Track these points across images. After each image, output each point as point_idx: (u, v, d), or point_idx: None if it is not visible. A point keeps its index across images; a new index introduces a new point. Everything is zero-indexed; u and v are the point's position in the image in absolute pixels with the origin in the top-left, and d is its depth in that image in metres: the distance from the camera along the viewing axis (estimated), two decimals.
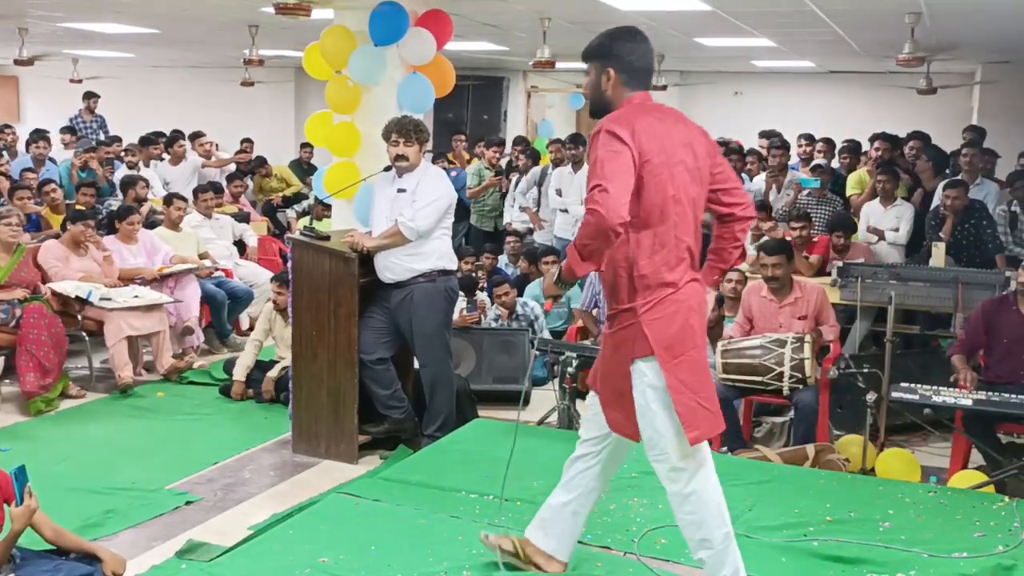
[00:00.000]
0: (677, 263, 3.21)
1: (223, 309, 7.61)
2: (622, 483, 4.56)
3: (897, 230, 7.35)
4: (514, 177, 9.53)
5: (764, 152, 9.55)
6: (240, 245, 8.77)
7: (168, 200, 7.84)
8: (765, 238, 7.22)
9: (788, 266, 5.56)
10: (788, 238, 7.06)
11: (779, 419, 5.89)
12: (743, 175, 8.84)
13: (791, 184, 8.16)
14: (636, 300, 3.20)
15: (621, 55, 3.28)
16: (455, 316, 6.05)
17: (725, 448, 5.34)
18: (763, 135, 10.65)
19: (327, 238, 5.36)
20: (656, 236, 3.17)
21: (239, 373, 6.36)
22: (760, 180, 8.53)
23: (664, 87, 11.81)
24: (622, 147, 3.06)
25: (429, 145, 5.92)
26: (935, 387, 4.77)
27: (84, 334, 6.61)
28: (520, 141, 10.72)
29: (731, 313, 6.23)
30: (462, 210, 9.07)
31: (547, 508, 3.65)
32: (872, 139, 9.17)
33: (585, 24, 8.58)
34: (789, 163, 8.69)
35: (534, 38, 8.86)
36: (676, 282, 3.20)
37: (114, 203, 8.68)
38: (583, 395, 6.20)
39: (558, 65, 9.30)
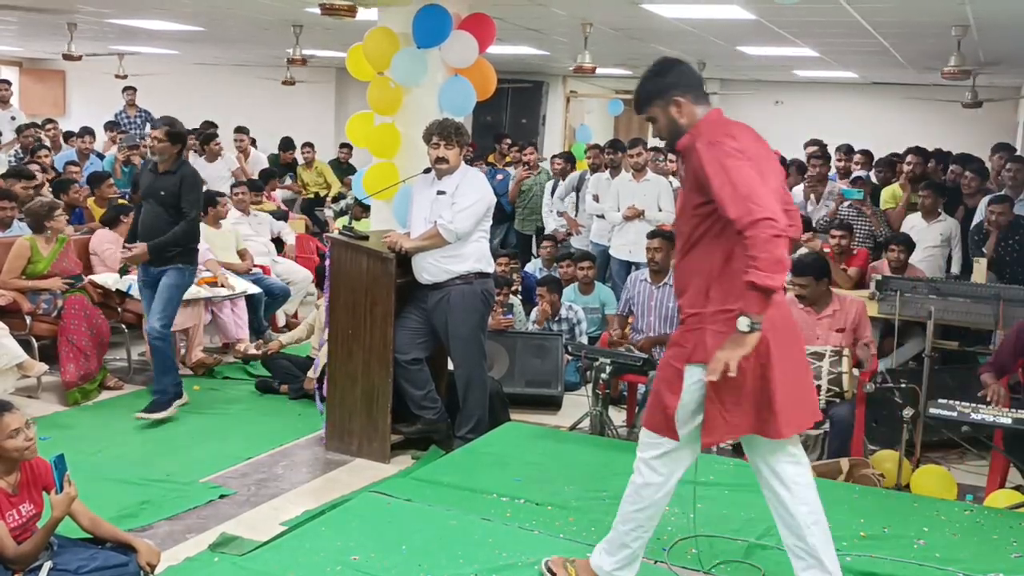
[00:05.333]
0: None
1: (260, 306, 7.68)
2: None
3: (937, 246, 7.28)
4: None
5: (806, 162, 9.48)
6: (278, 242, 8.84)
7: (212, 200, 7.89)
8: (802, 250, 7.16)
9: (816, 285, 5.47)
10: (827, 249, 7.00)
11: (813, 432, 5.83)
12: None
13: (831, 195, 8.09)
14: (707, 307, 3.20)
15: (679, 81, 3.28)
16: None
17: None
18: (809, 144, 10.55)
19: (366, 238, 5.40)
20: (738, 242, 3.10)
21: (288, 338, 6.65)
22: (799, 191, 8.47)
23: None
24: (737, 152, 3.05)
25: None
26: (974, 404, 4.71)
27: (124, 326, 6.71)
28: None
29: None
30: (500, 213, 9.11)
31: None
32: (906, 153, 9.09)
33: (627, 30, 8.57)
34: (828, 174, 8.62)
35: (575, 43, 8.86)
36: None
37: None
38: (616, 401, 6.23)
39: (598, 71, 9.29)
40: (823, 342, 5.34)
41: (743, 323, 3.00)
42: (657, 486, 3.38)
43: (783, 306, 3.30)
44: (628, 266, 7.94)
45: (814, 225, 7.73)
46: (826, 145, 9.72)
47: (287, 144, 12.18)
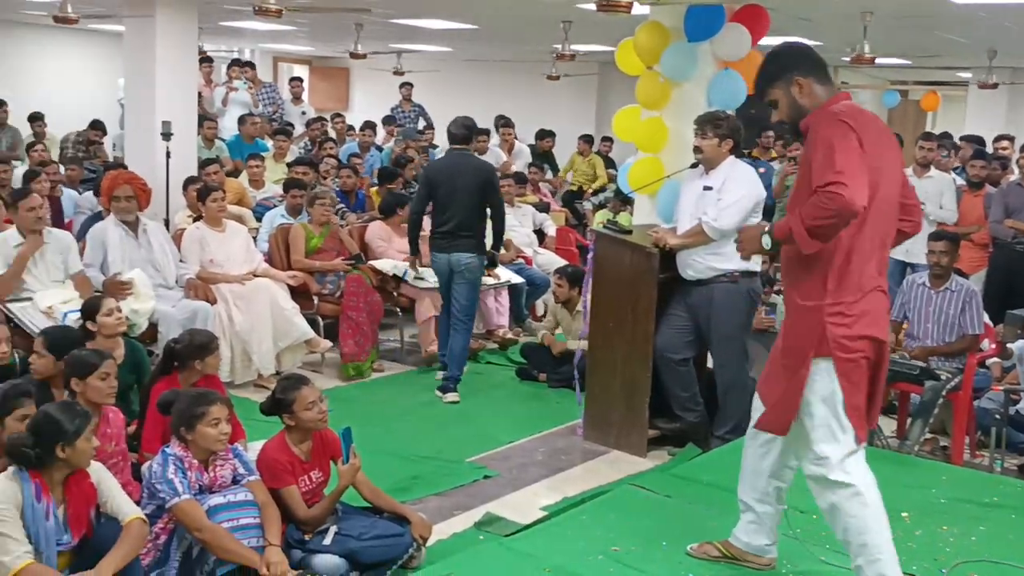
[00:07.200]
0: (870, 265, 3.20)
1: (522, 295, 7.92)
2: (930, 508, 4.29)
3: None
4: None
5: None
6: (540, 234, 9.07)
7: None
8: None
9: None
10: None
11: None
12: None
13: None
14: (825, 299, 3.16)
15: (799, 63, 3.30)
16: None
17: None
18: None
19: (629, 232, 5.43)
20: (858, 236, 3.14)
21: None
22: None
23: (995, 85, 10.88)
24: (851, 134, 3.05)
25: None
26: None
27: (398, 310, 7.13)
28: None
29: None
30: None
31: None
32: None
33: (910, 18, 8.09)
34: None
35: (851, 33, 8.44)
36: (866, 286, 3.18)
37: None
38: (887, 411, 5.91)
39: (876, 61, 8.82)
40: None
41: (766, 240, 3.20)
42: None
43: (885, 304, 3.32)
44: (903, 267, 7.50)
45: None
46: None
47: (544, 133, 12.48)
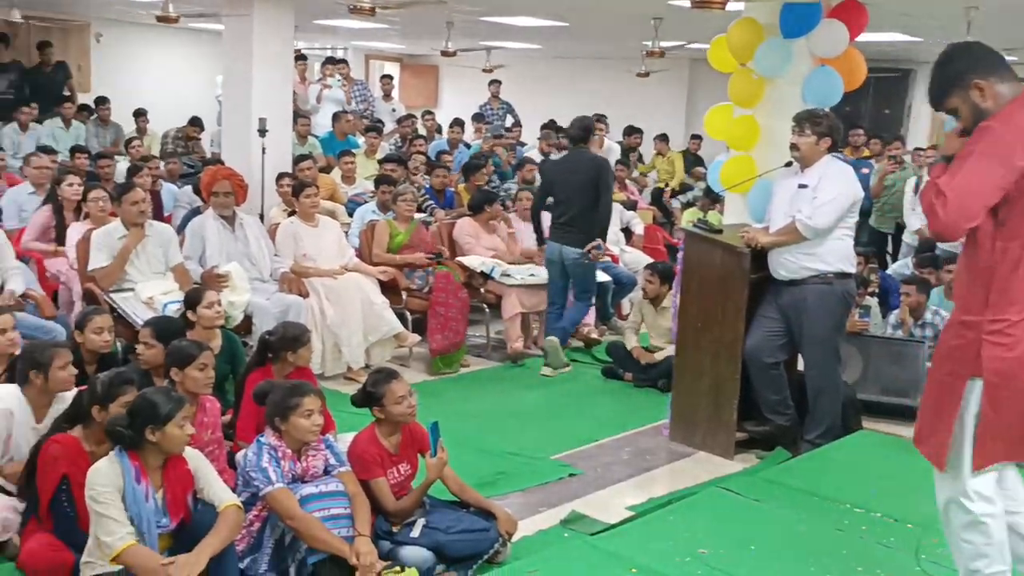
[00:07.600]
0: None
1: (608, 293, 7.87)
2: None
3: None
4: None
5: None
6: (627, 232, 9.01)
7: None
8: None
9: None
10: None
11: None
12: None
13: None
14: (985, 315, 2.89)
15: (975, 64, 2.95)
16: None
17: None
18: None
19: (720, 231, 5.36)
20: None
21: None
22: None
23: None
24: (1000, 148, 2.80)
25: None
26: None
27: (485, 306, 7.17)
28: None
29: None
30: None
31: None
32: None
33: (1019, 11, 7.80)
34: None
35: (953, 28, 8.19)
36: None
37: (513, 187, 9.29)
38: None
39: None
40: None
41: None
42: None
43: None
44: None
45: None
46: None
47: (631, 129, 12.43)
